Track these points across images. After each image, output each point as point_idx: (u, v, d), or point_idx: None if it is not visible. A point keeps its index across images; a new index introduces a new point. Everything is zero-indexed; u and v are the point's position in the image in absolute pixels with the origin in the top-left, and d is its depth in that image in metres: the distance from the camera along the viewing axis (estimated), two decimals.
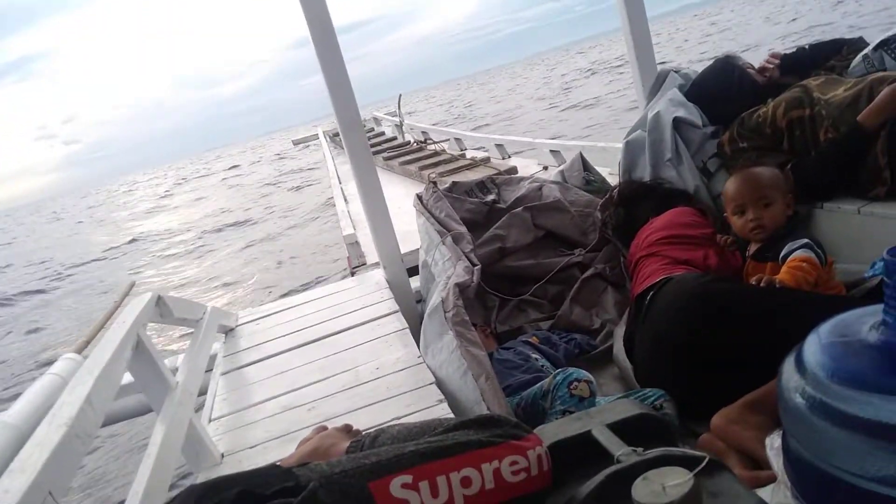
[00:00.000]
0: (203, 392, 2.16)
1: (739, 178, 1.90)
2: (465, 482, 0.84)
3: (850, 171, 2.00)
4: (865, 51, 2.24)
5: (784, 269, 1.65)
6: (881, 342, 0.72)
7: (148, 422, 2.78)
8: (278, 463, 1.14)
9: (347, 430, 1.34)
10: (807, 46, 2.57)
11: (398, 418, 1.59)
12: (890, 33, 2.20)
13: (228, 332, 2.60)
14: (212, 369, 2.31)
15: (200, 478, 1.57)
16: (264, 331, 2.54)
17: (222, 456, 1.65)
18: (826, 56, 2.44)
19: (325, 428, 1.38)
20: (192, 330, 2.11)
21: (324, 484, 0.81)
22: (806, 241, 1.71)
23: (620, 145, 2.75)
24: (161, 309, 1.80)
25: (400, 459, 0.85)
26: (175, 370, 1.77)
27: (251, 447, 1.67)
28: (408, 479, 0.82)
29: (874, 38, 2.28)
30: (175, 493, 0.88)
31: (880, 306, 0.73)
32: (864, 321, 0.75)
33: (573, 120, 15.79)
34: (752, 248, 1.84)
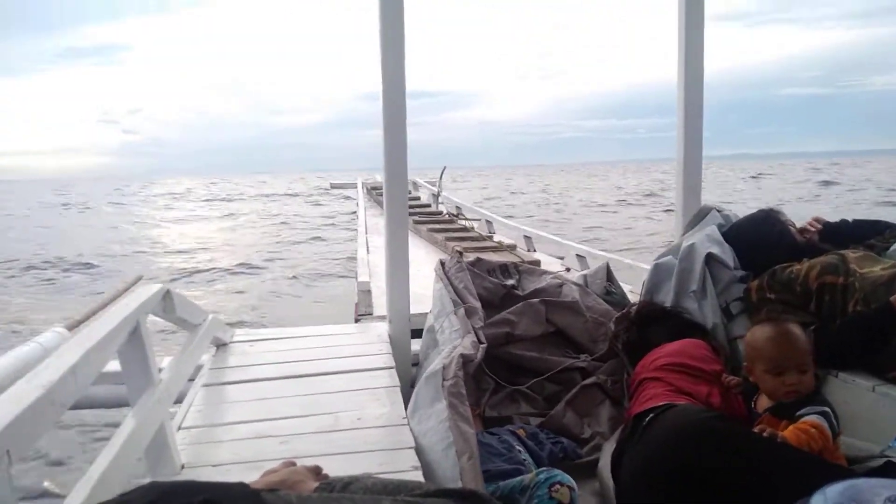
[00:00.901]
0: (179, 400, 2.12)
1: (781, 340, 1.77)
2: None
3: (873, 348, 1.97)
4: None
5: (792, 427, 1.62)
6: None
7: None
8: (257, 489, 1.11)
9: (316, 471, 1.30)
10: (850, 220, 2.60)
11: (369, 475, 1.54)
12: None
13: (220, 346, 2.57)
14: (194, 379, 2.28)
15: None
16: (256, 353, 2.52)
17: (182, 467, 1.60)
18: (867, 234, 2.46)
19: (293, 463, 1.34)
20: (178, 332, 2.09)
21: None
22: (825, 409, 1.67)
23: (647, 266, 2.76)
24: (166, 303, 1.79)
25: None
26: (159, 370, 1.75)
27: (214, 465, 1.62)
28: None
29: None
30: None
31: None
32: (879, 492, 0.73)
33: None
34: (767, 402, 1.79)
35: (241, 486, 0.85)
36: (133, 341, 1.46)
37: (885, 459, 1.65)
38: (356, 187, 12.71)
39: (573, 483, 1.57)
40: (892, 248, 2.31)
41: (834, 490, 0.73)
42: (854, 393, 1.98)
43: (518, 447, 1.95)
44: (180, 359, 1.82)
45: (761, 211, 2.68)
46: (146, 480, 1.58)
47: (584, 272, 3.31)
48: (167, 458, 1.54)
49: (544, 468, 1.64)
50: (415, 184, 12.05)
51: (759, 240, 2.54)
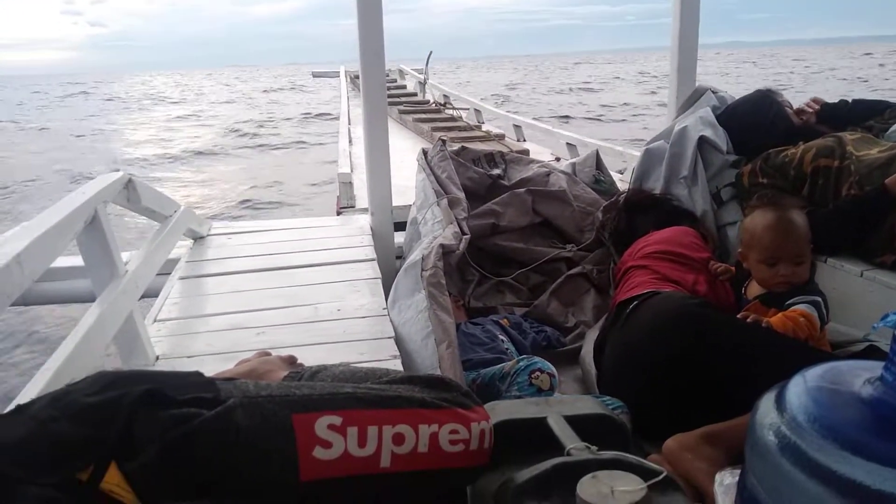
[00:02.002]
0: (156, 293, 2.07)
1: (779, 230, 1.68)
2: (397, 439, 0.77)
3: (864, 233, 1.93)
4: None
5: (779, 315, 1.58)
6: (873, 399, 0.66)
7: None
8: (213, 377, 1.07)
9: (291, 361, 1.27)
10: (849, 101, 2.49)
11: (348, 364, 1.52)
12: None
13: (198, 238, 2.51)
14: (171, 273, 2.23)
15: None
16: (234, 246, 2.45)
17: (157, 358, 1.57)
18: (866, 114, 2.37)
19: (268, 354, 1.31)
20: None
21: (244, 403, 0.74)
22: (817, 299, 1.62)
23: (638, 153, 2.67)
24: (129, 193, 1.70)
25: (333, 398, 0.78)
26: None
27: (189, 356, 1.59)
28: (336, 420, 0.75)
29: None
30: None
31: (879, 363, 0.67)
32: (859, 374, 0.70)
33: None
34: (757, 289, 1.75)
35: (196, 375, 0.80)
36: (91, 231, 1.38)
37: (867, 343, 1.64)
38: (338, 76, 12.24)
39: (553, 370, 1.55)
40: (891, 130, 2.22)
41: (813, 373, 0.70)
42: (842, 278, 1.96)
43: (501, 336, 1.93)
44: (148, 249, 1.75)
45: (757, 91, 2.55)
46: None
47: (573, 160, 3.21)
48: (139, 349, 1.51)
49: (525, 355, 1.62)
50: (400, 72, 11.61)
51: (755, 122, 2.44)
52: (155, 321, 1.80)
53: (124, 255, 1.76)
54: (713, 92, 2.64)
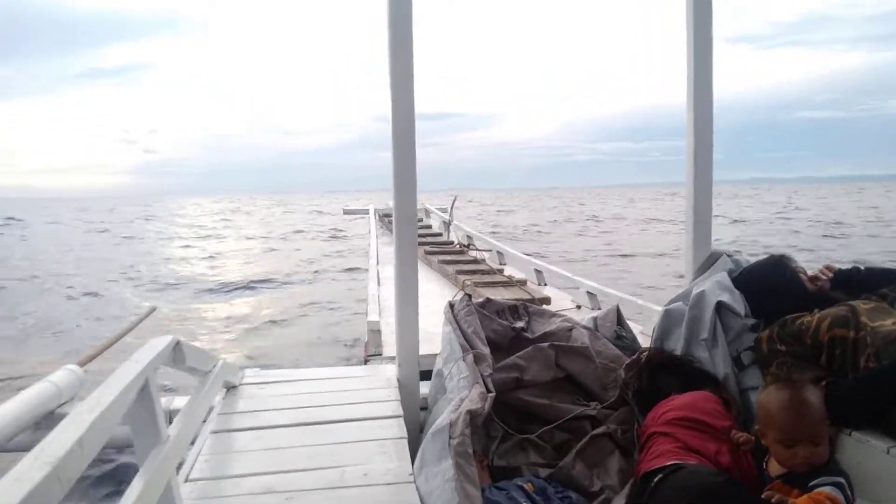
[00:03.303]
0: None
1: (794, 411, 1.72)
2: None
3: (885, 407, 1.94)
4: None
5: (805, 498, 1.59)
6: None
7: None
8: None
9: None
10: (862, 268, 2.58)
11: None
12: None
13: (230, 388, 2.58)
14: (204, 421, 2.29)
15: None
16: (265, 398, 2.52)
17: None
18: (880, 282, 2.44)
19: None
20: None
21: None
22: (840, 480, 1.63)
23: (657, 308, 2.75)
24: (176, 354, 1.80)
25: None
26: (168, 412, 1.75)
27: None
28: None
29: None
30: None
31: None
32: None
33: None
34: (779, 467, 1.76)
35: None
36: (141, 400, 1.46)
37: None
38: (368, 214, 12.78)
39: None
40: None
41: None
42: (868, 453, 1.95)
43: (525, 503, 1.93)
44: (191, 410, 1.82)
45: (772, 257, 2.66)
46: None
47: (594, 315, 3.29)
48: None
49: None
50: (426, 211, 12.09)
51: (770, 287, 2.52)
52: (187, 481, 1.84)
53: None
54: (728, 255, 2.76)
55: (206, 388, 2.02)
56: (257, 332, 9.37)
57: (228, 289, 13.73)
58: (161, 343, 1.70)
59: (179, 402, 2.44)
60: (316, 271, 16.10)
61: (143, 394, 1.47)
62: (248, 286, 13.87)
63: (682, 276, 3.11)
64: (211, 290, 13.64)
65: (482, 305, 2.95)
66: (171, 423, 1.69)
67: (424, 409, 2.72)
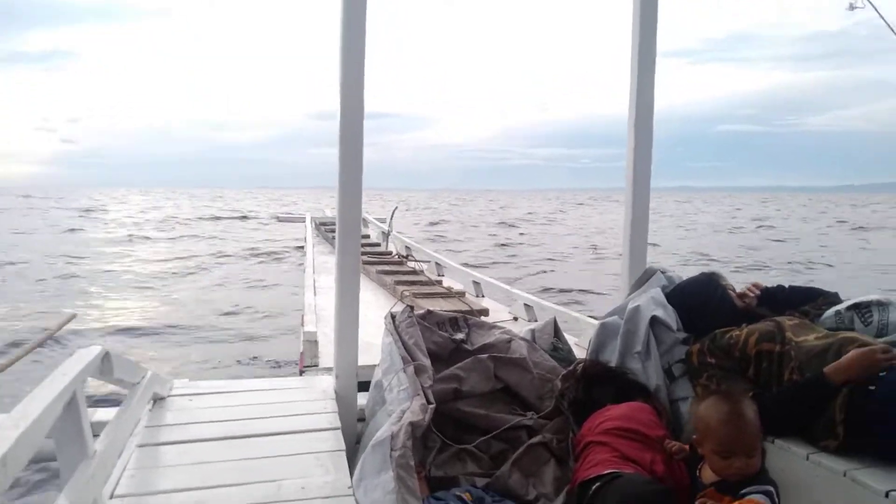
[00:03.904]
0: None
1: (732, 425, 1.77)
2: None
3: (807, 418, 2.05)
4: (839, 307, 2.38)
5: None
6: None
7: None
8: None
9: None
10: (787, 286, 2.72)
11: None
12: (864, 298, 2.35)
13: (158, 400, 2.48)
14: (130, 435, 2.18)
15: None
16: (195, 410, 2.43)
17: None
18: (802, 300, 2.58)
19: None
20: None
21: None
22: (769, 489, 1.71)
23: (593, 321, 2.82)
24: (104, 365, 1.72)
25: None
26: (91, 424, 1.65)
27: None
28: None
29: (849, 298, 2.42)
30: None
31: None
32: None
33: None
34: (712, 475, 1.83)
35: None
36: (69, 413, 1.39)
37: None
38: (304, 221, 12.59)
39: None
40: (825, 316, 2.42)
41: None
42: (789, 460, 2.05)
43: None
44: (118, 424, 1.73)
45: (703, 274, 2.78)
46: None
47: (532, 327, 3.34)
48: None
49: None
50: (364, 220, 12.00)
51: (701, 303, 2.63)
52: (112, 497, 1.75)
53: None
54: (662, 272, 2.86)
55: (135, 401, 1.93)
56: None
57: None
58: (89, 354, 1.62)
59: (103, 414, 2.32)
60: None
61: (71, 407, 1.40)
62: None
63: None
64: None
65: (423, 317, 2.94)
66: (96, 436, 1.60)
67: (362, 420, 2.68)
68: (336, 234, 2.74)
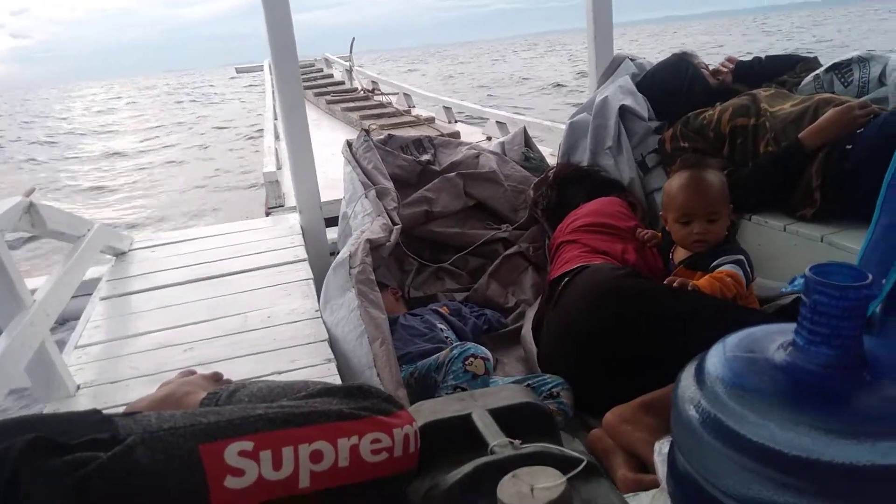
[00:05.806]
0: (77, 317, 1.97)
1: (691, 188, 1.70)
2: (315, 456, 0.73)
3: (784, 188, 1.97)
4: (818, 71, 2.22)
5: (706, 277, 1.61)
6: (787, 364, 0.65)
7: None
8: (127, 408, 1.01)
9: (216, 378, 1.21)
10: (763, 57, 2.54)
11: (280, 372, 1.47)
12: (843, 57, 2.19)
13: (119, 255, 2.39)
14: (91, 293, 2.12)
15: (49, 409, 1.41)
16: (159, 259, 2.35)
17: (78, 387, 1.49)
18: (780, 70, 2.42)
19: (192, 372, 1.24)
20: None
21: (145, 440, 0.69)
22: (739, 257, 1.65)
23: (565, 126, 2.68)
24: (32, 218, 1.60)
25: (243, 422, 0.73)
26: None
27: (112, 382, 1.51)
28: (247, 445, 0.71)
29: (828, 60, 2.26)
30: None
31: (793, 325, 0.67)
32: (774, 339, 0.69)
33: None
34: (683, 253, 1.78)
35: (92, 414, 0.74)
36: None
37: (794, 296, 1.68)
38: (262, 70, 11.93)
39: (487, 354, 1.54)
40: (804, 83, 2.27)
41: (731, 341, 0.69)
42: (767, 234, 2.01)
43: (441, 325, 1.91)
44: (59, 274, 1.65)
45: (674, 56, 2.58)
46: (40, 407, 1.47)
47: (502, 139, 3.20)
48: (56, 381, 1.42)
49: (458, 343, 1.61)
50: (326, 61, 11.38)
51: (672, 86, 2.47)
52: (76, 348, 1.71)
53: (35, 282, 1.66)
54: (631, 60, 2.66)
55: (79, 253, 1.83)
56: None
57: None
58: (7, 203, 1.49)
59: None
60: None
61: None
62: None
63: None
64: None
65: (384, 142, 2.79)
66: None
67: (333, 254, 2.63)
68: (272, 62, 2.50)
